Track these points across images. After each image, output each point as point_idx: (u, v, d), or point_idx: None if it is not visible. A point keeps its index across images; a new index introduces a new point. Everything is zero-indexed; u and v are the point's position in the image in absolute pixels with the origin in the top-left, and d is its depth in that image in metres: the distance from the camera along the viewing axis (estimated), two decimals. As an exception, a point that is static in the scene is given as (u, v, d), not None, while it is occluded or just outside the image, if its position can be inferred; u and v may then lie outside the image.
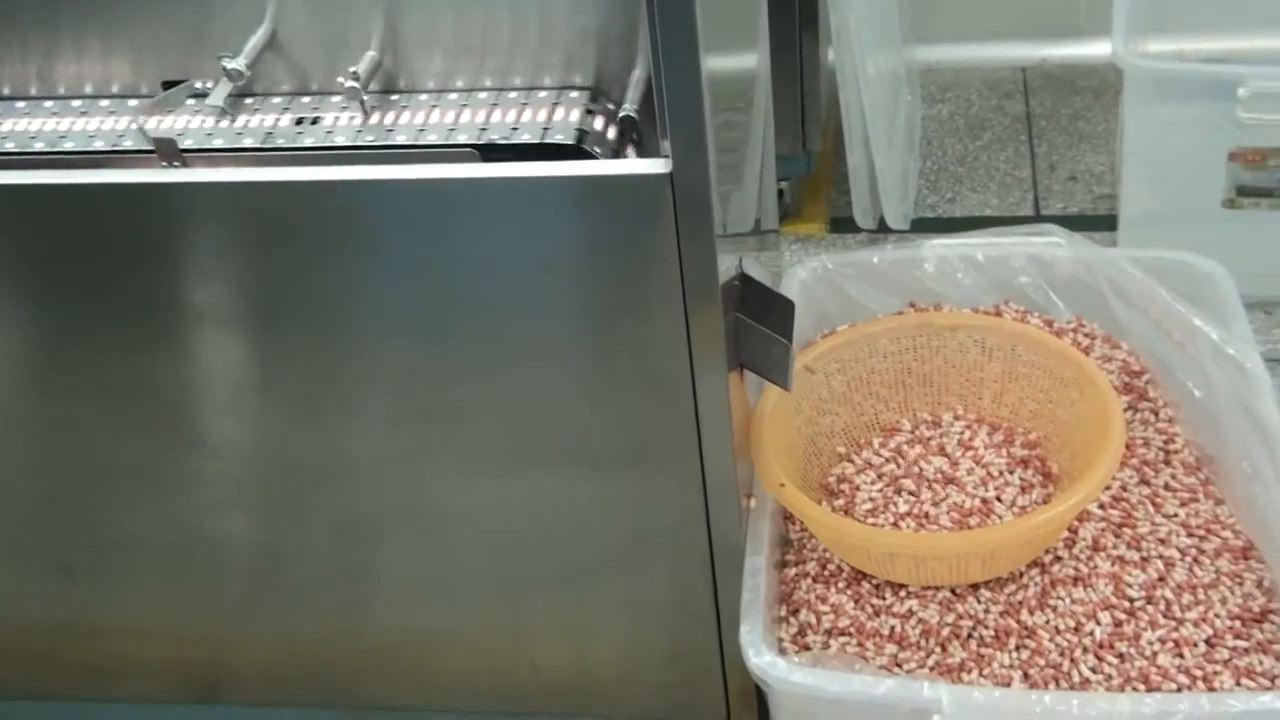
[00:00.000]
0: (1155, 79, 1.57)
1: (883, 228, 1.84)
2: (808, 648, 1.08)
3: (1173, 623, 1.04)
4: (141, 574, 1.17)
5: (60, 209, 0.97)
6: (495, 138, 0.98)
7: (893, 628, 1.08)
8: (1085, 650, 1.03)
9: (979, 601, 1.08)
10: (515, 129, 0.99)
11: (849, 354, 1.23)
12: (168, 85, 1.05)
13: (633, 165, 0.93)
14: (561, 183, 0.93)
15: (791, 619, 1.11)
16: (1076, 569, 1.09)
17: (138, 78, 1.06)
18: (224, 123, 1.02)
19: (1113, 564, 1.08)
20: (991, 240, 1.33)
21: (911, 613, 1.08)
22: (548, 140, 0.97)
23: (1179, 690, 1.00)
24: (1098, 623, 1.05)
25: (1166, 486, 1.16)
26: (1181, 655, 1.03)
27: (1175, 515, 1.13)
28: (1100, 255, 1.29)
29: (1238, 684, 1.01)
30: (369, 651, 1.19)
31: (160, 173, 0.97)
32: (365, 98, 1.00)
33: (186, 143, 0.99)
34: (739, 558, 1.08)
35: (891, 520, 1.12)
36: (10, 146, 1.02)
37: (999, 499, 1.13)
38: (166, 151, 0.97)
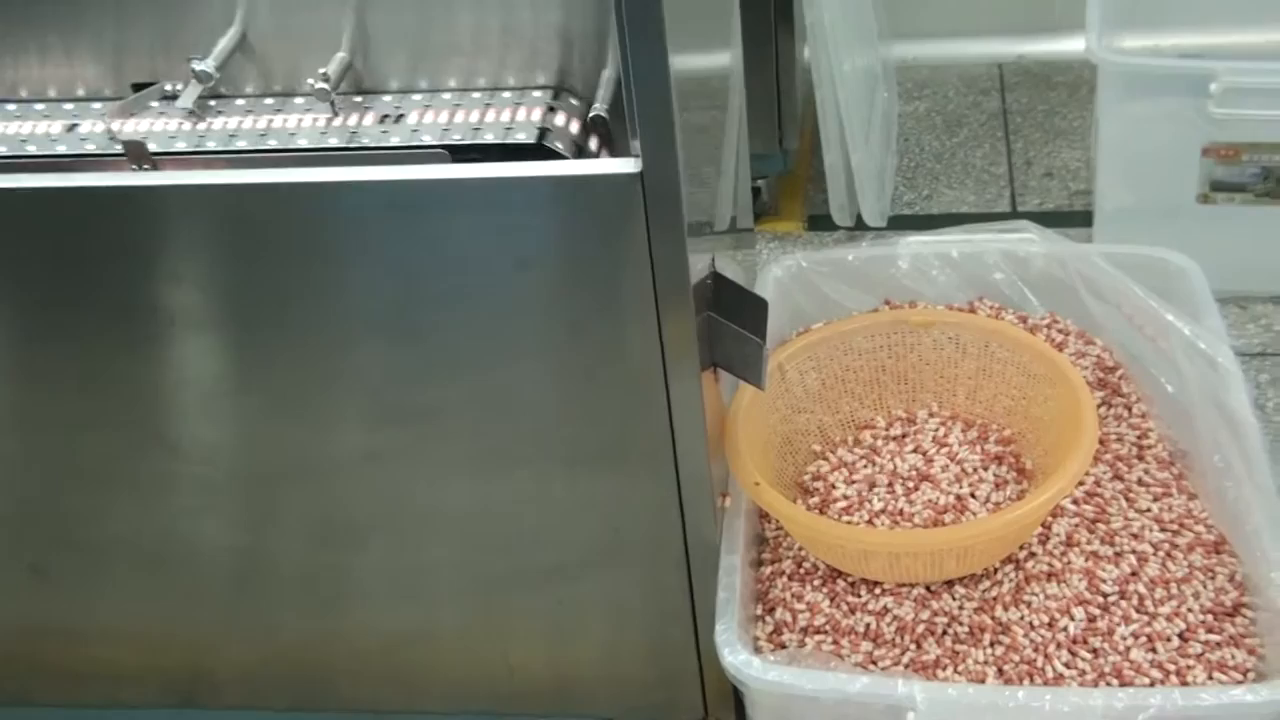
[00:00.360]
0: (1128, 74, 1.58)
1: (860, 225, 1.84)
2: (784, 646, 1.08)
3: (1146, 617, 1.05)
4: (117, 577, 1.16)
5: (30, 213, 0.97)
6: (459, 138, 0.98)
7: (868, 625, 1.08)
8: (1059, 646, 1.04)
9: (954, 598, 1.09)
10: (478, 129, 0.99)
11: (824, 352, 1.23)
12: (137, 88, 1.05)
13: (602, 165, 0.93)
14: (532, 183, 0.92)
15: (767, 617, 1.11)
16: (1051, 565, 1.09)
17: (106, 80, 1.06)
18: (194, 125, 1.02)
19: (1086, 559, 1.09)
20: (966, 237, 1.33)
21: (887, 610, 1.08)
22: (510, 140, 0.98)
23: (1152, 685, 1.01)
24: (1071, 618, 1.05)
25: (1140, 482, 1.16)
26: (1154, 650, 1.03)
27: (1148, 510, 1.13)
28: (1073, 251, 1.29)
29: (1210, 678, 1.01)
30: (346, 654, 1.19)
31: (130, 176, 0.96)
32: (335, 99, 1.00)
33: (156, 145, 0.99)
34: (714, 556, 1.08)
35: (866, 518, 1.13)
36: (-20, 150, 1.02)
37: (973, 495, 1.13)
38: (136, 154, 0.97)
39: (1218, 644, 1.03)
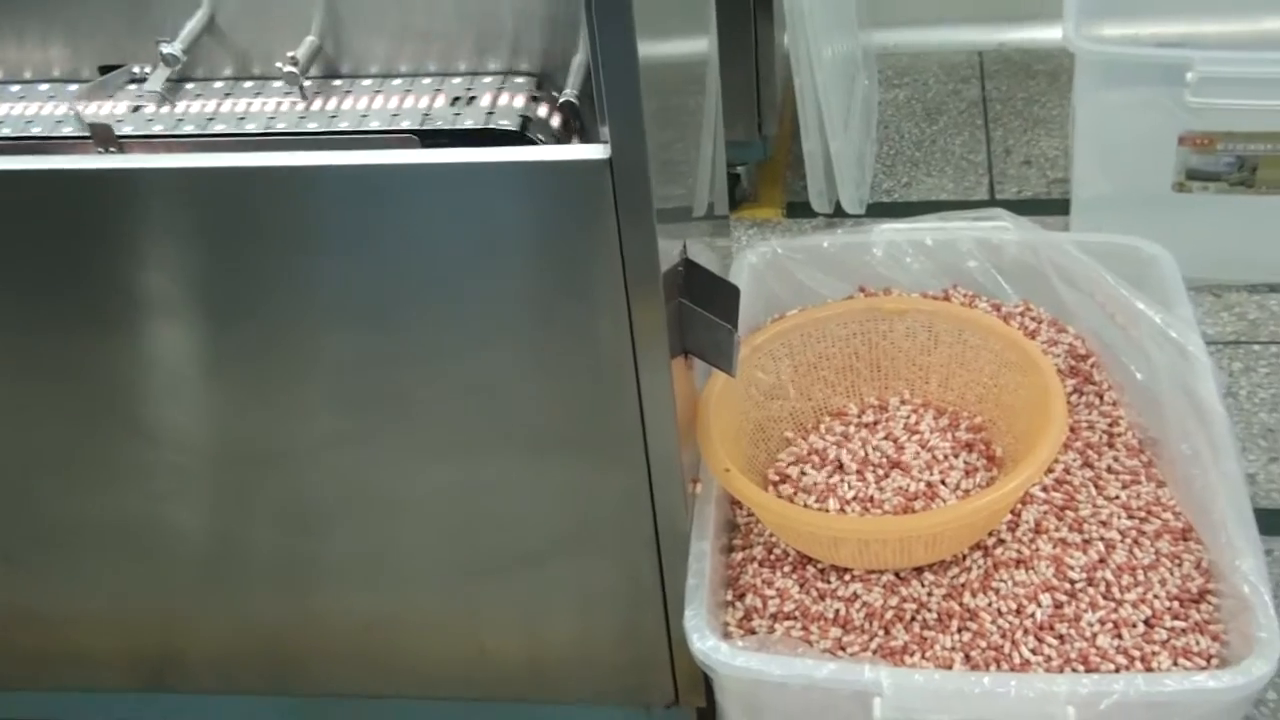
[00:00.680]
0: (1105, 63, 1.58)
1: (839, 212, 1.85)
2: (754, 632, 1.09)
3: (1112, 604, 1.05)
4: (86, 561, 1.16)
5: (-5, 195, 0.96)
6: (439, 123, 0.98)
7: (837, 611, 1.08)
8: (1026, 632, 1.04)
9: (923, 585, 1.09)
10: (458, 115, 0.99)
11: (797, 339, 1.23)
12: (105, 70, 1.04)
13: (571, 151, 0.93)
14: (500, 168, 0.92)
15: (737, 603, 1.11)
16: (1019, 551, 1.09)
17: (74, 63, 1.05)
18: (162, 108, 1.01)
19: (1054, 546, 1.09)
20: (940, 225, 1.33)
21: (856, 596, 1.09)
22: (491, 126, 0.97)
23: (1117, 671, 1.01)
24: (1039, 604, 1.06)
25: (1109, 469, 1.17)
26: (1120, 636, 1.04)
27: (1117, 498, 1.14)
28: (1045, 239, 1.29)
29: (1175, 664, 1.02)
30: (318, 638, 1.19)
31: (95, 159, 0.96)
32: (306, 83, 1.00)
33: (124, 129, 0.98)
34: (685, 543, 1.08)
35: (837, 505, 1.13)
36: (-57, 133, 1.01)
37: (944, 482, 1.13)
38: (102, 137, 0.96)
39: (1183, 630, 1.04)
